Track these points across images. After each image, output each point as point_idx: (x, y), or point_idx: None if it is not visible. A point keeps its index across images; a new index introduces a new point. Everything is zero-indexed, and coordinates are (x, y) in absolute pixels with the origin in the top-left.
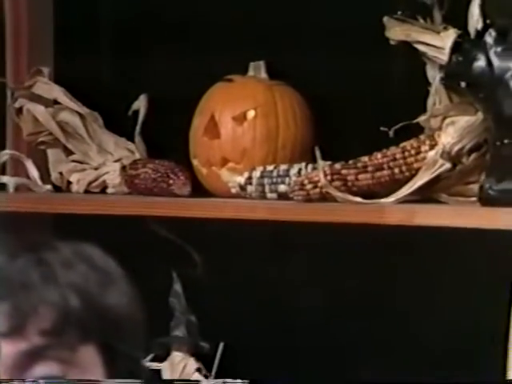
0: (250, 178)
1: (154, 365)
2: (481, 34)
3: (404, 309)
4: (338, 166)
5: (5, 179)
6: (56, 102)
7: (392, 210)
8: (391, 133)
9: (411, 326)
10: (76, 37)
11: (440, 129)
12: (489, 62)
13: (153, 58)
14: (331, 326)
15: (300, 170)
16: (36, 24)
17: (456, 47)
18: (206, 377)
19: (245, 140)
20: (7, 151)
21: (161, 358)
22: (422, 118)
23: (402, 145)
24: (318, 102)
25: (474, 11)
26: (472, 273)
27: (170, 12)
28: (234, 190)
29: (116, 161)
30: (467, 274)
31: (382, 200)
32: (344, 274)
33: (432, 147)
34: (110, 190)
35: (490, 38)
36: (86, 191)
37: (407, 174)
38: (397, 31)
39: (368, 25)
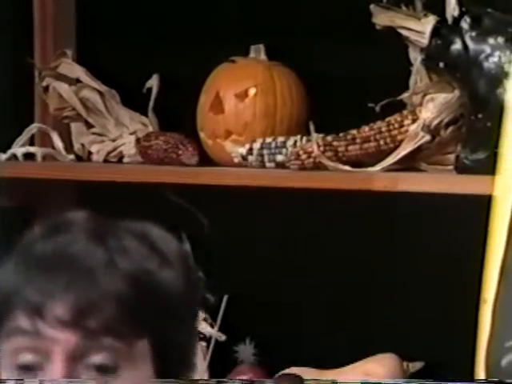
0: (250, 149)
1: None
2: (457, 20)
3: (388, 265)
4: (329, 138)
5: (33, 149)
6: (78, 80)
7: (378, 178)
8: (377, 108)
9: (392, 282)
10: (96, 22)
11: (421, 105)
12: (464, 46)
13: (165, 41)
14: (326, 282)
15: (296, 141)
16: (60, 11)
17: (435, 32)
18: (212, 326)
19: (246, 115)
20: (35, 124)
21: None
22: (404, 95)
23: (387, 119)
24: (312, 81)
25: (451, 0)
26: (447, 233)
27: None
28: (236, 160)
29: (131, 133)
30: (443, 235)
31: (369, 168)
32: (336, 232)
33: (414, 121)
34: (125, 160)
35: (465, 24)
36: (105, 160)
37: (391, 145)
38: (382, 18)
39: (357, 12)
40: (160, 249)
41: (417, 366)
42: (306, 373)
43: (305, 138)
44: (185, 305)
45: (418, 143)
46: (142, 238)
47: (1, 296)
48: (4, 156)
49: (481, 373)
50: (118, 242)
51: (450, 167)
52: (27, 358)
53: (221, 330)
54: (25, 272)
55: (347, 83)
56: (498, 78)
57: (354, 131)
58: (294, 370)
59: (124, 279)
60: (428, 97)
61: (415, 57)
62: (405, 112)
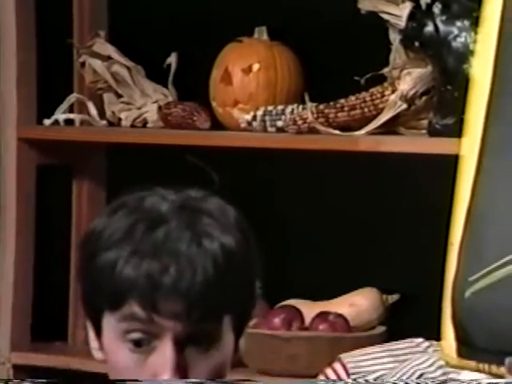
0: (255, 116)
1: None
2: (430, 6)
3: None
4: (321, 106)
5: (72, 116)
6: (110, 57)
7: (363, 140)
8: (362, 81)
9: (374, 228)
10: (125, 8)
11: (399, 78)
12: (436, 28)
13: (182, 24)
14: (317, 229)
15: (293, 109)
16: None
17: (411, 16)
18: None
19: (251, 86)
20: (74, 95)
21: None
22: (385, 70)
23: (370, 90)
24: (307, 57)
25: None
26: (420, 187)
27: None
28: (242, 125)
29: (154, 102)
30: (417, 189)
31: (355, 132)
32: (326, 185)
33: (393, 92)
34: (149, 125)
35: (436, 9)
36: (132, 125)
37: (374, 112)
38: (366, 3)
39: None
40: (225, 222)
41: (394, 298)
42: (301, 304)
43: (301, 107)
44: (252, 273)
45: (397, 111)
46: (210, 214)
47: (114, 283)
48: (48, 121)
49: (448, 303)
50: (200, 224)
51: (424, 131)
52: (138, 336)
53: None
54: (136, 261)
55: (337, 60)
56: (464, 55)
57: (343, 100)
58: (291, 301)
59: (211, 259)
60: (405, 71)
61: (394, 37)
62: (385, 84)
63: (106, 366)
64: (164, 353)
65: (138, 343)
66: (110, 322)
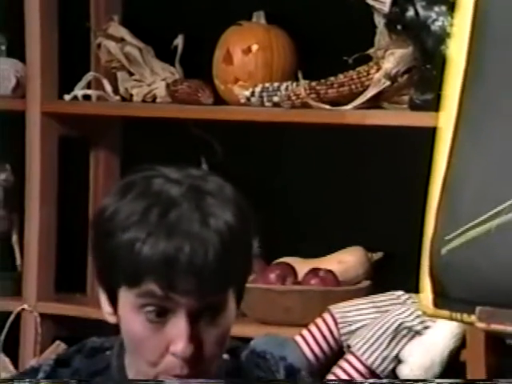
0: (253, 92)
1: None
2: None
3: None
4: (313, 83)
5: (89, 92)
6: (123, 39)
7: (350, 114)
8: (350, 60)
9: (360, 191)
10: None
11: (383, 58)
12: (416, 13)
13: (188, 9)
14: (310, 195)
15: (288, 86)
16: None
17: (394, 2)
18: None
19: (250, 66)
20: (91, 73)
21: None
22: (371, 51)
23: (357, 69)
24: (300, 39)
25: None
26: (402, 155)
27: None
28: (242, 101)
29: (162, 80)
30: (399, 157)
31: (344, 107)
32: (317, 153)
33: (378, 70)
34: (158, 100)
35: None
36: (143, 101)
37: (361, 89)
38: None
39: None
40: (225, 199)
41: (378, 255)
42: (294, 261)
43: (295, 84)
44: (250, 243)
45: (381, 87)
46: (212, 194)
47: (133, 262)
48: (68, 97)
49: (426, 259)
50: (205, 205)
51: (405, 106)
52: (154, 309)
53: None
54: (154, 239)
55: (327, 41)
56: (441, 37)
57: (332, 78)
58: (285, 259)
59: (219, 236)
60: (389, 52)
61: (379, 21)
62: (371, 63)
63: (121, 329)
64: (178, 324)
65: (153, 316)
66: (126, 296)
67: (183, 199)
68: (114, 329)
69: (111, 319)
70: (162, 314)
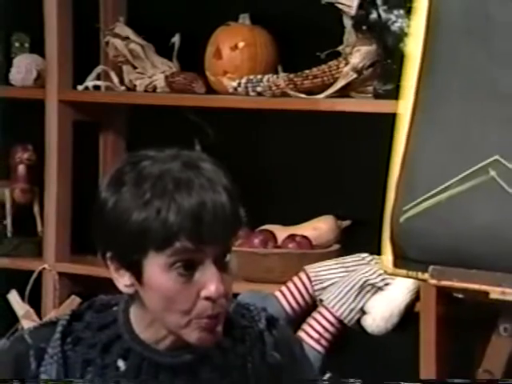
0: (239, 83)
1: None
2: None
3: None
4: (291, 76)
5: (99, 83)
6: (127, 37)
7: (323, 102)
8: (322, 56)
9: (330, 166)
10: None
11: (351, 54)
12: (379, 15)
13: (183, 12)
14: (287, 169)
15: (269, 78)
16: None
17: (360, 6)
18: None
19: (237, 60)
20: (100, 66)
21: None
22: (340, 47)
23: (328, 63)
24: (280, 38)
25: None
26: (367, 136)
27: None
28: (230, 90)
29: (162, 72)
30: (365, 138)
31: (317, 96)
32: (294, 134)
33: (346, 65)
34: (158, 90)
35: (379, 1)
36: (145, 90)
37: (332, 80)
38: None
39: None
40: (218, 172)
41: (346, 223)
42: (274, 229)
43: (275, 76)
44: (239, 205)
45: (349, 79)
46: (207, 167)
47: (161, 228)
48: (80, 87)
49: (387, 227)
50: (207, 175)
51: (370, 95)
52: (185, 264)
53: None
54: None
55: (303, 39)
56: (400, 36)
57: (307, 71)
58: (267, 227)
59: (226, 195)
60: (355, 48)
61: (347, 22)
62: (340, 58)
63: (145, 294)
64: (207, 271)
65: (183, 270)
66: (156, 260)
67: (184, 170)
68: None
69: (129, 290)
70: (190, 267)
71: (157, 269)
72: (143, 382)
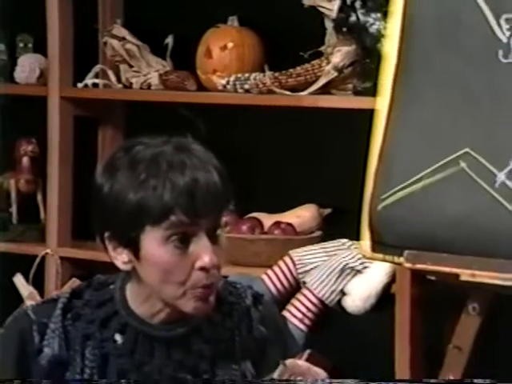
0: (228, 81)
1: None
2: (353, 2)
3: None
4: (276, 74)
5: (97, 81)
6: (124, 38)
7: (306, 98)
8: (306, 56)
9: (312, 157)
10: (136, 2)
11: (332, 54)
12: (357, 18)
13: (176, 14)
14: (271, 161)
15: (256, 76)
16: None
17: (340, 9)
18: None
19: (226, 60)
20: (99, 65)
21: None
22: (322, 48)
23: (311, 62)
24: (266, 39)
25: None
26: (347, 129)
27: None
28: (219, 88)
29: (156, 71)
30: (345, 131)
31: (301, 93)
32: (277, 128)
33: (327, 64)
34: (153, 87)
35: (357, 5)
36: (140, 88)
37: (314, 78)
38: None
39: None
40: (208, 154)
41: (327, 211)
42: (261, 216)
43: (261, 74)
44: (228, 186)
45: (330, 77)
46: (198, 150)
47: (157, 204)
48: (80, 84)
49: (366, 214)
50: (198, 156)
51: (350, 92)
52: (180, 236)
53: None
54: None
55: (288, 40)
56: (377, 37)
57: (292, 70)
58: (254, 214)
59: (217, 174)
60: (336, 49)
61: (328, 24)
62: (322, 58)
63: (142, 269)
64: (201, 243)
65: (178, 243)
66: (152, 234)
67: (176, 152)
68: (118, 269)
69: (126, 267)
70: (184, 240)
71: (154, 243)
72: (139, 354)
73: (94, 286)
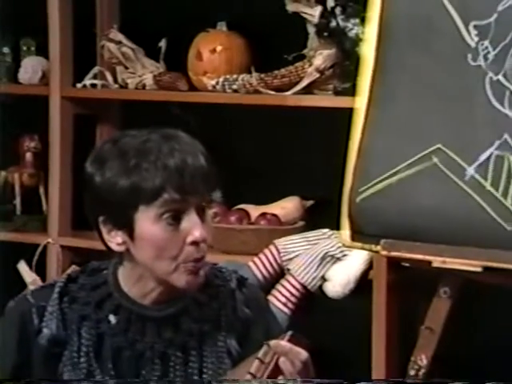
0: (217, 81)
1: None
2: (333, 9)
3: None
4: (262, 75)
5: (95, 81)
6: (120, 42)
7: (290, 98)
8: (290, 58)
9: (296, 151)
10: (131, 10)
11: (314, 56)
12: (337, 23)
13: (169, 20)
14: (259, 154)
15: (243, 77)
16: (112, 2)
17: (321, 15)
18: None
19: (215, 62)
20: (97, 67)
21: None
22: (305, 51)
23: (295, 65)
24: (253, 43)
25: None
26: (329, 126)
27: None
28: (209, 88)
29: (150, 72)
30: (327, 127)
31: (285, 93)
32: (262, 125)
33: (310, 66)
34: (147, 88)
35: (338, 11)
36: (135, 88)
37: (298, 79)
38: (292, 6)
39: (277, 3)
40: (191, 139)
41: (310, 203)
42: (248, 208)
43: (249, 75)
44: (214, 172)
45: (313, 78)
46: (185, 138)
47: (149, 184)
48: (79, 85)
49: (345, 206)
50: (181, 140)
51: (331, 92)
52: (172, 214)
53: None
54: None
55: (273, 44)
56: (356, 41)
57: (277, 71)
58: (242, 206)
59: (203, 157)
60: (318, 52)
61: (311, 29)
62: (305, 60)
63: (136, 249)
64: (192, 219)
65: (171, 220)
66: (146, 213)
67: (163, 140)
68: (111, 257)
69: (121, 248)
70: (176, 218)
71: (148, 221)
72: (132, 333)
73: (88, 272)
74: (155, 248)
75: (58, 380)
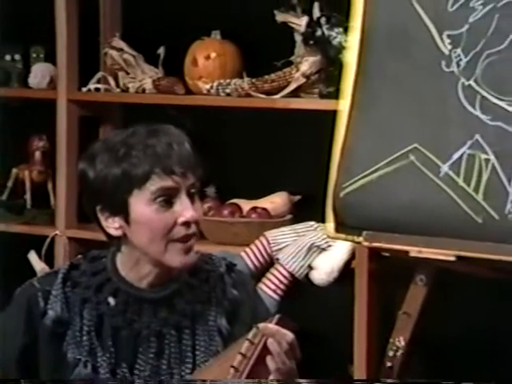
0: (212, 86)
1: None
2: (318, 19)
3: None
4: (253, 80)
5: (99, 86)
6: (122, 49)
7: (279, 101)
8: (279, 64)
9: (284, 149)
10: (132, 19)
11: (301, 63)
12: (322, 33)
13: (167, 30)
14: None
15: (236, 82)
16: (115, 12)
17: (308, 25)
18: None
19: (209, 68)
20: (100, 73)
21: None
22: (292, 58)
23: (283, 70)
24: (245, 50)
25: (315, 9)
26: (314, 124)
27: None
28: (204, 92)
29: (149, 77)
30: (312, 126)
31: (274, 96)
32: (254, 125)
33: (297, 71)
34: (147, 91)
35: (323, 21)
36: (136, 92)
37: (286, 84)
38: (280, 16)
39: (267, 13)
40: (178, 131)
41: (297, 198)
42: (240, 202)
43: (241, 80)
44: (199, 160)
45: (299, 83)
46: (172, 130)
47: (139, 169)
48: (84, 89)
49: (330, 200)
50: (168, 132)
51: (316, 95)
52: (164, 197)
53: None
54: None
55: (263, 51)
56: (340, 49)
57: (267, 76)
58: (234, 200)
59: (188, 144)
60: (304, 58)
61: (298, 37)
62: (292, 66)
63: (132, 233)
64: (183, 201)
65: (163, 203)
66: (140, 197)
67: (150, 133)
68: (110, 245)
69: (118, 232)
70: (168, 201)
71: (141, 205)
72: (130, 314)
73: (89, 259)
74: (149, 230)
75: (58, 380)
